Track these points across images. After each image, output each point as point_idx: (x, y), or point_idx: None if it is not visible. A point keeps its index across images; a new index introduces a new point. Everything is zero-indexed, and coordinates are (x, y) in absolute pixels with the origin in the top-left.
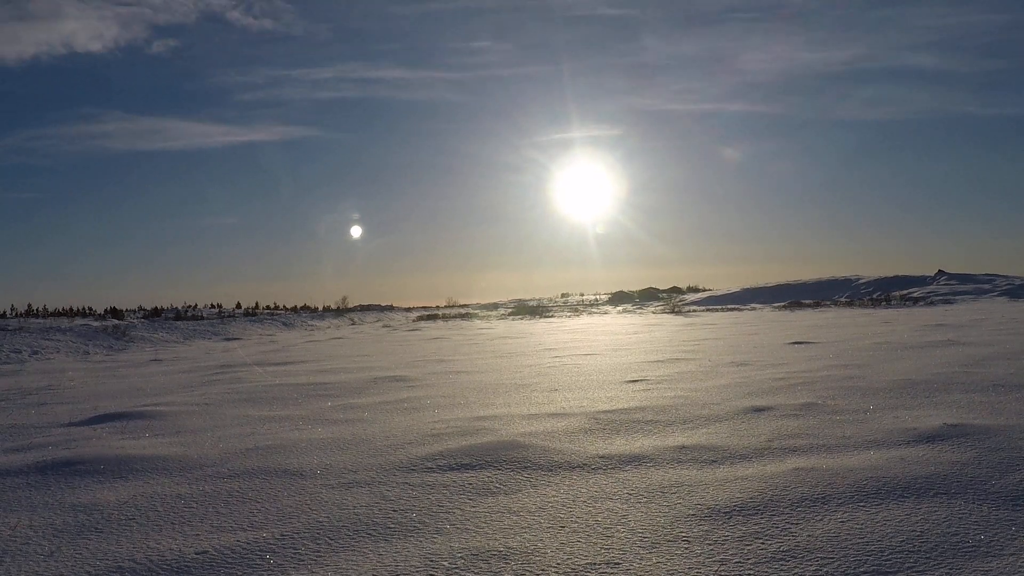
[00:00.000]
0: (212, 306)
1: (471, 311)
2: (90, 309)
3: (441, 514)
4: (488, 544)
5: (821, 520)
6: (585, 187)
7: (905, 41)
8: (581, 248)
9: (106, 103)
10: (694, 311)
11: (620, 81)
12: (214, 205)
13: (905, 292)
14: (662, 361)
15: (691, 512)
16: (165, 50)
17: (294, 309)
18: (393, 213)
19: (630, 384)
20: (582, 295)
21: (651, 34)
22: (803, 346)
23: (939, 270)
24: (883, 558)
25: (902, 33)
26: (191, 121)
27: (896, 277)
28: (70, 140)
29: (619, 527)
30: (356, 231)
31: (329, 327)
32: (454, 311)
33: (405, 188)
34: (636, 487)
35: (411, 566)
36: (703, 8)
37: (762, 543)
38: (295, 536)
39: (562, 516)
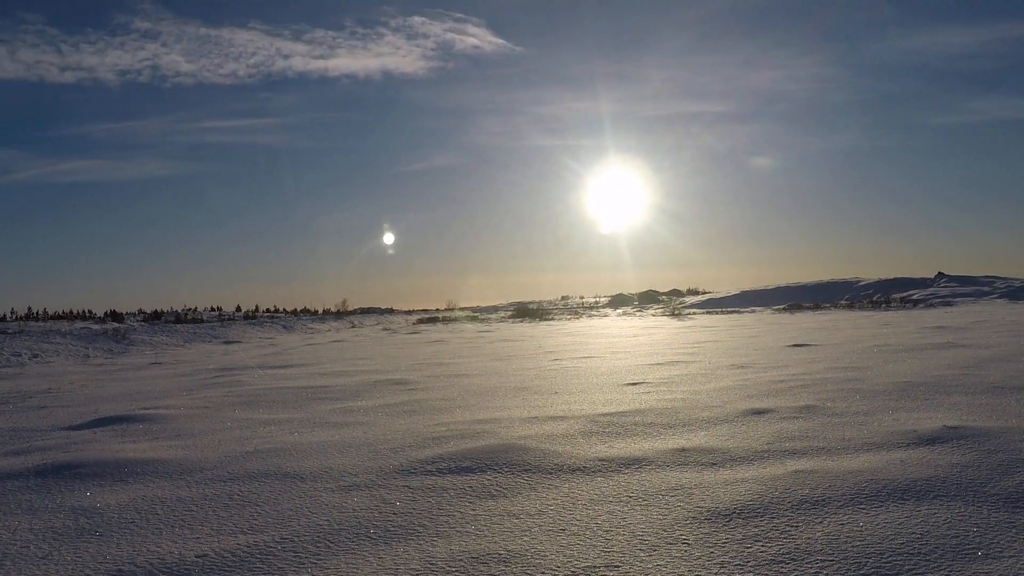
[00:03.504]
0: (212, 309)
1: (471, 314)
2: (90, 312)
3: (441, 517)
4: (488, 547)
5: (821, 522)
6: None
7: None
8: (581, 251)
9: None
10: (694, 314)
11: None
12: (214, 209)
13: (905, 294)
14: (662, 364)
15: (691, 515)
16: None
17: (294, 312)
18: (394, 216)
19: (630, 387)
20: (582, 298)
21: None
22: (803, 348)
23: (939, 272)
24: (883, 560)
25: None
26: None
27: (896, 279)
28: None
29: (619, 530)
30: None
31: (329, 330)
32: (454, 314)
33: (407, 191)
34: (636, 490)
35: (411, 569)
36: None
37: (762, 546)
38: (295, 539)
39: (562, 519)
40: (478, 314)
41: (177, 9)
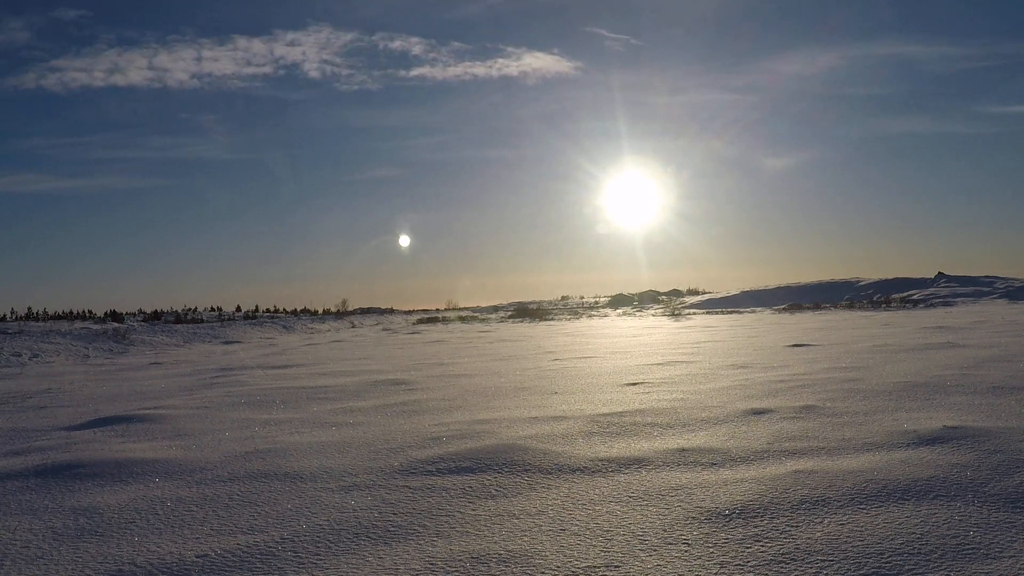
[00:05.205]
0: (212, 309)
1: (471, 314)
2: (90, 312)
3: (441, 517)
4: (488, 547)
5: (821, 523)
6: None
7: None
8: (581, 251)
9: None
10: (694, 314)
11: None
12: (214, 209)
13: (905, 294)
14: (661, 364)
15: (691, 515)
16: None
17: (294, 312)
18: (394, 216)
19: (630, 387)
20: (582, 298)
21: None
22: (803, 348)
23: (939, 272)
24: (883, 560)
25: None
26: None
27: (896, 279)
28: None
29: (618, 530)
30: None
31: (329, 330)
32: (454, 314)
33: (408, 191)
34: (635, 490)
35: (411, 569)
36: None
37: (762, 546)
38: (295, 539)
39: (562, 519)
40: (478, 314)
41: None
